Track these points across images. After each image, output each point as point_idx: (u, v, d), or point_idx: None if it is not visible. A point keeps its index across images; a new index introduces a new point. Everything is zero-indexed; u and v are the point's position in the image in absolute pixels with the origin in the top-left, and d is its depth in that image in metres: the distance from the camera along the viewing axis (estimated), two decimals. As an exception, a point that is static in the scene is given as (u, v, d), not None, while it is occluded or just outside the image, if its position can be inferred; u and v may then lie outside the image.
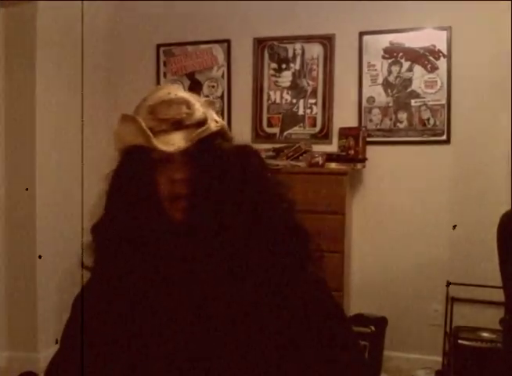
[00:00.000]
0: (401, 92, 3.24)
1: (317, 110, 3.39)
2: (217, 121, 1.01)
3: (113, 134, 1.03)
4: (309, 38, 3.39)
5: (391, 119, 3.26)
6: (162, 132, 0.95)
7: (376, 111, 3.28)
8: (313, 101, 3.40)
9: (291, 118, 3.44)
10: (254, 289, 0.93)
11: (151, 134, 0.93)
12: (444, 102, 3.16)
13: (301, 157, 3.20)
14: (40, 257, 3.12)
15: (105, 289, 0.97)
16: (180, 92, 1.02)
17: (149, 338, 0.93)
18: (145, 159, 0.96)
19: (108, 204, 1.01)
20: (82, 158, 3.05)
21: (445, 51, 3.15)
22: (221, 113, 3.57)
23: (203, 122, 0.98)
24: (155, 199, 0.96)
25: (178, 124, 0.96)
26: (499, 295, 2.17)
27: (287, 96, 3.44)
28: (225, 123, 1.04)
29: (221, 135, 1.01)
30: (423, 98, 3.20)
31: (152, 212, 0.96)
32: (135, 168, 0.97)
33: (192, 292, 0.94)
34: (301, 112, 3.42)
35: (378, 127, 3.28)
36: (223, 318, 0.92)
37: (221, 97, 3.58)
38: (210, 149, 0.97)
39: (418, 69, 3.20)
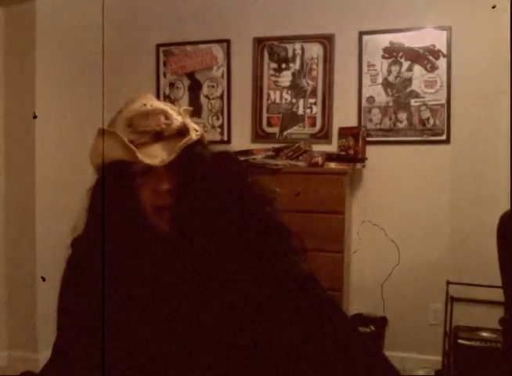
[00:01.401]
0: (400, 92, 3.24)
1: (317, 110, 3.39)
2: (196, 130, 1.01)
3: (90, 150, 1.02)
4: (309, 38, 3.39)
5: (390, 119, 3.26)
6: (142, 145, 0.94)
7: (375, 111, 3.28)
8: (313, 101, 3.40)
9: (291, 118, 3.44)
10: (243, 295, 0.93)
11: (134, 148, 0.92)
12: (443, 101, 3.16)
13: (300, 157, 3.20)
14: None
15: (85, 302, 0.97)
16: (155, 102, 1.02)
17: (139, 351, 0.93)
18: (126, 172, 0.95)
19: (90, 218, 1.02)
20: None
21: (444, 51, 3.15)
22: (220, 113, 3.57)
23: (181, 131, 0.97)
24: (139, 211, 0.96)
25: (157, 136, 0.96)
26: (498, 295, 2.17)
27: (287, 96, 3.44)
28: (202, 130, 1.04)
29: (200, 142, 1.01)
30: (423, 98, 3.20)
31: (136, 224, 0.96)
32: (117, 182, 0.96)
33: (181, 300, 0.94)
34: (300, 112, 3.42)
35: (378, 127, 3.28)
36: (215, 326, 0.92)
37: (221, 97, 3.58)
38: (192, 158, 0.97)
39: (418, 69, 3.20)
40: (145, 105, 0.99)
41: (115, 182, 0.96)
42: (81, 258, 1.01)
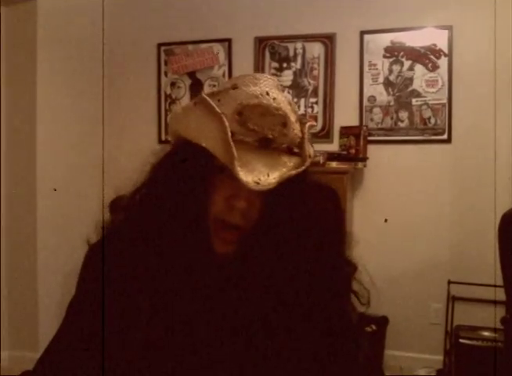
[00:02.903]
0: (402, 91, 3.24)
1: (318, 109, 3.39)
2: (310, 156, 0.80)
3: (178, 112, 0.82)
4: (310, 37, 3.39)
5: (392, 118, 3.26)
6: (244, 146, 0.75)
7: (377, 110, 3.28)
8: (314, 100, 3.40)
9: (292, 117, 3.43)
10: (296, 343, 0.80)
11: (236, 154, 0.72)
12: (445, 101, 3.16)
13: (301, 156, 3.19)
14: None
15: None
16: (279, 94, 0.80)
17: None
18: (205, 169, 0.77)
19: (143, 194, 0.83)
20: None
21: (446, 50, 3.15)
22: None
23: (291, 148, 0.79)
24: (201, 220, 0.77)
25: (265, 143, 0.76)
26: (500, 294, 2.17)
27: (288, 95, 3.44)
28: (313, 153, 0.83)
29: (307, 170, 0.80)
30: (424, 97, 3.19)
31: (193, 235, 0.77)
32: (190, 171, 0.78)
33: (223, 336, 0.79)
34: (302, 111, 3.42)
35: (379, 126, 3.28)
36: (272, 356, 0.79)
37: (222, 96, 3.57)
38: (291, 185, 0.77)
39: (419, 68, 3.20)
40: (267, 94, 0.77)
41: (188, 173, 0.78)
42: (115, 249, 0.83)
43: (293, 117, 0.79)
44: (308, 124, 0.82)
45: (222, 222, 0.78)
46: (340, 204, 0.91)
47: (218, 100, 0.78)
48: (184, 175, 0.78)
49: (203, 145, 0.75)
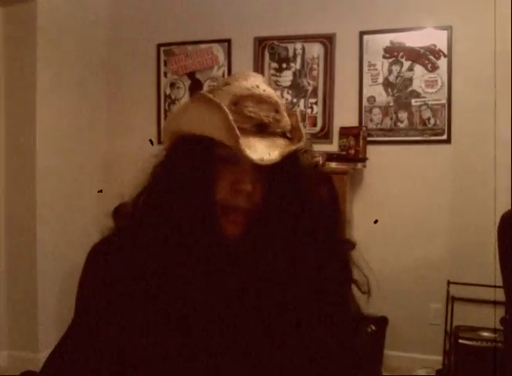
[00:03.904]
0: (401, 92, 3.24)
1: (317, 110, 3.39)
2: (303, 136, 0.86)
3: (176, 112, 0.88)
4: (310, 38, 3.39)
5: (391, 118, 3.26)
6: (242, 131, 0.79)
7: (376, 111, 3.28)
8: (314, 100, 3.40)
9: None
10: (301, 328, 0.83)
11: (239, 134, 0.77)
12: (444, 101, 3.16)
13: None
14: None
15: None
16: (268, 87, 0.87)
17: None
18: (210, 156, 0.81)
19: (147, 195, 0.86)
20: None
21: (445, 50, 3.15)
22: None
23: (284, 132, 0.85)
24: (209, 205, 0.81)
25: (261, 128, 0.82)
26: (499, 294, 2.17)
27: (288, 96, 3.44)
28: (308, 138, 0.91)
29: (308, 151, 0.89)
30: (424, 97, 3.20)
31: (201, 218, 0.81)
32: (194, 163, 0.81)
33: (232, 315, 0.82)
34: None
35: (379, 126, 3.28)
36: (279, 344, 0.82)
37: (222, 97, 3.58)
38: (294, 166, 0.84)
39: (418, 68, 3.20)
40: (258, 87, 0.84)
41: (192, 164, 0.81)
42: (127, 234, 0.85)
43: (282, 107, 0.86)
44: (299, 110, 0.87)
45: (229, 206, 0.81)
46: (333, 184, 0.95)
47: (213, 96, 0.82)
48: (188, 166, 0.82)
49: (207, 134, 0.80)
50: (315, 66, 3.40)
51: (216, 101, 0.79)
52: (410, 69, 3.22)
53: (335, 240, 0.90)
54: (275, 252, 0.82)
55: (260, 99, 0.82)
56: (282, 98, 0.78)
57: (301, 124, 0.88)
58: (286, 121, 0.86)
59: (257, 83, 0.85)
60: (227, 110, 0.78)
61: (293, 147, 0.82)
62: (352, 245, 0.95)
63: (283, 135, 0.85)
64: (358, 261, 0.93)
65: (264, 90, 0.84)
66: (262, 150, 0.79)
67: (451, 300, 3.06)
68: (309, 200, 0.86)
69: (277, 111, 0.84)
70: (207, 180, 0.81)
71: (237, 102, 0.81)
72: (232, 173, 0.81)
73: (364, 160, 3.18)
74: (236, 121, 0.78)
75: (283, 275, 0.82)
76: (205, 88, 3.60)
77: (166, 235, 0.82)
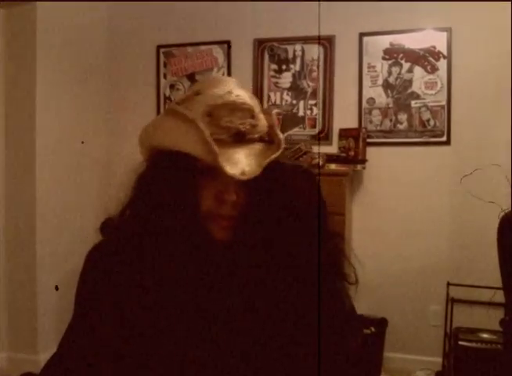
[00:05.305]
0: (401, 93, 3.24)
1: (317, 111, 3.39)
2: (281, 140, 0.86)
3: (149, 128, 0.87)
4: (309, 39, 3.39)
5: (391, 120, 3.26)
6: (220, 142, 0.78)
7: (376, 112, 3.28)
8: (313, 102, 3.40)
9: (291, 119, 3.44)
10: (292, 323, 0.85)
11: (217, 150, 0.76)
12: (444, 103, 3.16)
13: (301, 159, 3.19)
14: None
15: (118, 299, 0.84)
16: (241, 91, 0.85)
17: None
18: (191, 170, 0.81)
19: (134, 208, 0.87)
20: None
21: (445, 52, 3.16)
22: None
23: (262, 137, 0.85)
24: (194, 215, 0.81)
25: (238, 137, 0.81)
26: (499, 296, 2.17)
27: (287, 97, 3.44)
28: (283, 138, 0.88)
29: (282, 154, 0.87)
30: (423, 99, 3.20)
31: (189, 226, 0.81)
32: (177, 178, 0.81)
33: (226, 308, 0.84)
34: (301, 113, 3.42)
35: (378, 128, 3.28)
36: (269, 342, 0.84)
37: (222, 98, 3.58)
38: (272, 173, 0.83)
39: (418, 70, 3.21)
40: (230, 93, 0.82)
41: (175, 179, 0.81)
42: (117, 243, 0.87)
43: (257, 110, 0.85)
44: (274, 111, 0.93)
45: (215, 214, 0.83)
46: (315, 181, 0.96)
47: (186, 107, 0.82)
48: (171, 181, 0.82)
49: (184, 150, 0.79)
50: (314, 67, 3.40)
51: (190, 117, 0.78)
52: (410, 70, 3.22)
53: (322, 234, 0.90)
54: (264, 252, 0.84)
55: (234, 107, 0.81)
56: (255, 98, 0.79)
57: (277, 129, 0.87)
58: (263, 124, 0.85)
59: (229, 88, 0.84)
60: (203, 127, 0.77)
61: (273, 156, 0.82)
62: (341, 238, 0.99)
63: (261, 139, 0.85)
64: (346, 253, 0.96)
65: (237, 95, 0.83)
66: (242, 162, 0.78)
67: (450, 302, 3.05)
68: (291, 200, 0.87)
69: (253, 117, 0.83)
70: (191, 194, 0.81)
71: (211, 113, 0.80)
72: (215, 184, 0.82)
73: (364, 161, 3.18)
74: (212, 133, 0.78)
75: (272, 272, 0.84)
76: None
77: (158, 241, 0.82)
